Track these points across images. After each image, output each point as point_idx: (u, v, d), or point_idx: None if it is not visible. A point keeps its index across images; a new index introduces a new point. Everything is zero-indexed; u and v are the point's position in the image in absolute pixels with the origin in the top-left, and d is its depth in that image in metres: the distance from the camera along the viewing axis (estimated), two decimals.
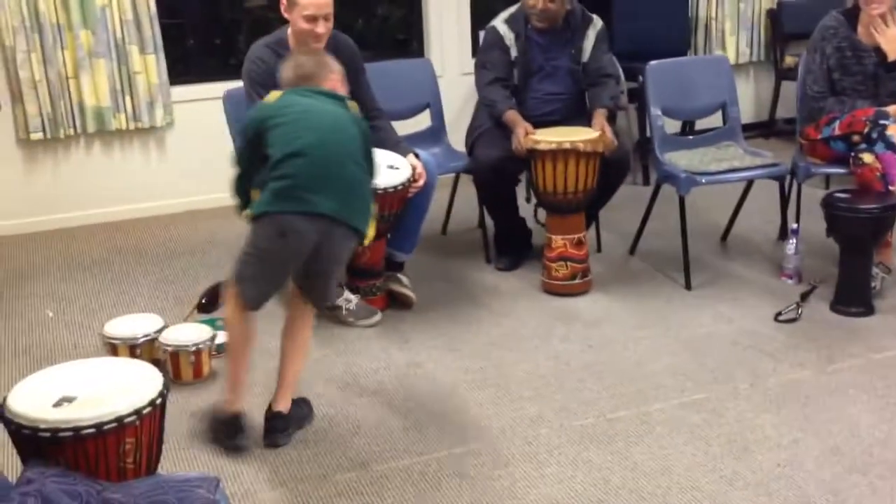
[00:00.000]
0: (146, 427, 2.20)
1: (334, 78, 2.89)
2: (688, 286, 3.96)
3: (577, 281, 3.91)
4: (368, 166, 2.88)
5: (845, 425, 2.89)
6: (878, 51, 3.92)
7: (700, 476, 2.65)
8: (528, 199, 4.38)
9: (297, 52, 3.13)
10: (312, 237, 2.70)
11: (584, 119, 4.02)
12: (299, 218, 2.68)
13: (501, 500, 2.58)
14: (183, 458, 2.81)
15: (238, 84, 3.66)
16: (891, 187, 3.64)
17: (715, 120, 4.53)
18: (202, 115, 4.78)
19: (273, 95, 2.84)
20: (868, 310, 3.63)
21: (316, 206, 2.68)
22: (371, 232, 2.86)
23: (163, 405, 2.27)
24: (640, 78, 4.31)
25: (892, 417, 2.92)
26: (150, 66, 4.86)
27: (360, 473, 2.72)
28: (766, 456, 2.73)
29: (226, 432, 2.82)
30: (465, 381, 3.24)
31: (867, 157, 3.72)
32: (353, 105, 2.90)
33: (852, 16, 3.99)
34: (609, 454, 2.78)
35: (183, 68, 5.23)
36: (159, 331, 3.28)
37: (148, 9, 4.79)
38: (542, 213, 4.07)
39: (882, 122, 3.72)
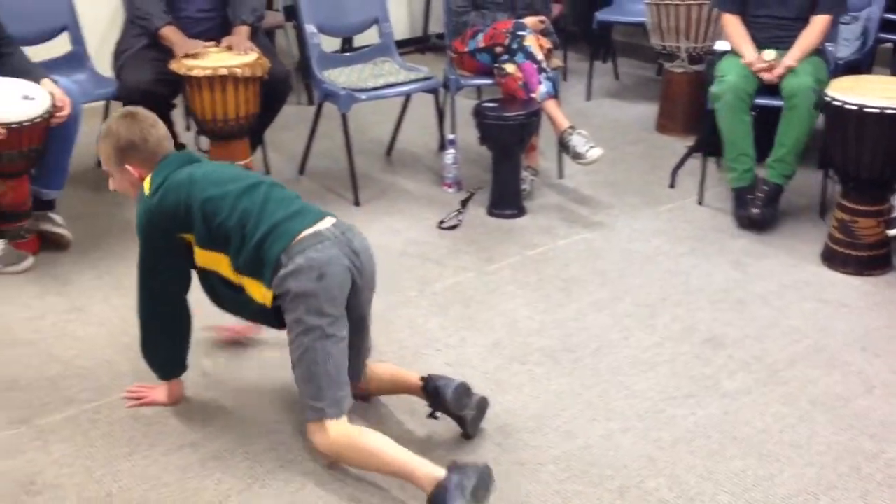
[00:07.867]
0: None
1: None
2: (356, 202, 4.02)
3: None
4: None
5: (506, 320, 3.10)
6: None
7: None
8: (187, 127, 4.18)
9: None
10: None
11: None
12: None
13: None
14: None
15: None
16: (532, 94, 3.89)
17: (374, 37, 4.57)
18: None
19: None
20: (520, 211, 3.90)
21: None
22: None
23: None
24: None
25: (546, 308, 3.18)
26: None
27: (22, 430, 2.53)
28: (435, 358, 2.87)
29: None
30: (136, 320, 3.08)
31: (509, 68, 3.94)
32: None
33: None
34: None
35: None
36: None
37: None
38: (204, 140, 3.92)
39: (520, 33, 3.94)
